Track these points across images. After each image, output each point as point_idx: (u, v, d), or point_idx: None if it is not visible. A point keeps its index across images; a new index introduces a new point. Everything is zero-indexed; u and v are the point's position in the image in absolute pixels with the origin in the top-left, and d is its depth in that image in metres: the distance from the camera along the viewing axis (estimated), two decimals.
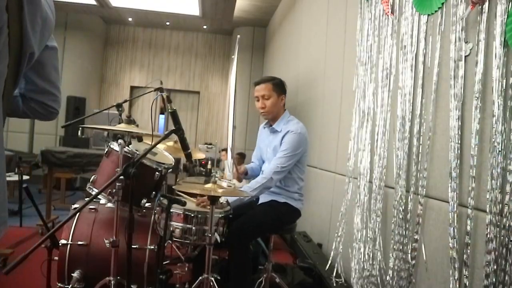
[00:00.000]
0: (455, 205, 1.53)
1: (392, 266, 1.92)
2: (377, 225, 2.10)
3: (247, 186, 2.24)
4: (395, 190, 1.94)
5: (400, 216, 1.89)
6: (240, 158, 5.41)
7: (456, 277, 1.49)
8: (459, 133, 1.55)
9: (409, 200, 1.86)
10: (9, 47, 0.81)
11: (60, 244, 2.07)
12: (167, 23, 7.90)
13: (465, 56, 1.55)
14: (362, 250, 2.23)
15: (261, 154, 2.59)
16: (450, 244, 1.52)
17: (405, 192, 1.88)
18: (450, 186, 1.55)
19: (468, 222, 1.44)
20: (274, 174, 2.23)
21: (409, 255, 1.81)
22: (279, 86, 2.41)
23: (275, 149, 2.37)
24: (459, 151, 1.54)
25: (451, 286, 1.50)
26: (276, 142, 2.37)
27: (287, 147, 2.27)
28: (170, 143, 2.54)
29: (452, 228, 1.52)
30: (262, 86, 2.39)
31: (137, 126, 2.16)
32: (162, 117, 8.44)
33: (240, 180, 2.57)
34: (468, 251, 1.44)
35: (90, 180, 2.14)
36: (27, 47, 0.87)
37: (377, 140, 2.18)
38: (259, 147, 2.61)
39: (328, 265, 2.51)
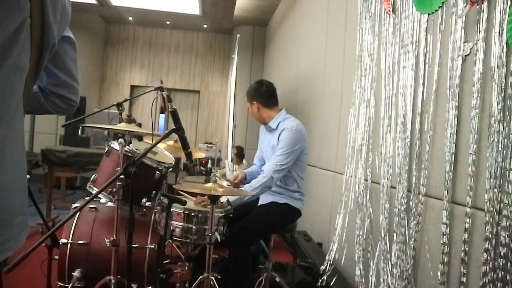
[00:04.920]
0: (453, 204, 1.53)
1: (392, 265, 1.92)
2: (380, 224, 2.11)
3: (248, 185, 2.24)
4: (396, 190, 1.95)
5: (401, 215, 1.89)
6: (239, 153, 5.37)
7: (454, 276, 1.49)
8: (459, 132, 1.55)
9: (409, 199, 1.86)
10: (31, 39, 0.73)
11: (60, 243, 2.07)
12: (167, 22, 7.90)
13: (465, 55, 1.55)
14: (363, 250, 2.23)
15: (262, 155, 2.60)
16: (448, 242, 1.52)
17: (406, 191, 1.89)
18: (448, 185, 1.55)
19: (467, 220, 1.44)
20: (273, 172, 2.23)
21: (409, 253, 1.81)
22: (250, 94, 2.52)
23: (273, 148, 2.37)
24: (458, 150, 1.54)
25: (449, 284, 1.50)
26: (274, 141, 2.38)
27: (283, 145, 2.28)
28: (171, 142, 2.54)
29: (449, 227, 1.52)
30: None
31: (140, 125, 2.15)
32: (162, 116, 8.45)
33: (237, 187, 2.55)
34: (466, 249, 1.45)
35: (91, 179, 2.14)
36: (50, 38, 0.78)
37: (377, 139, 2.18)
38: (261, 148, 2.62)
39: (328, 265, 2.51)
